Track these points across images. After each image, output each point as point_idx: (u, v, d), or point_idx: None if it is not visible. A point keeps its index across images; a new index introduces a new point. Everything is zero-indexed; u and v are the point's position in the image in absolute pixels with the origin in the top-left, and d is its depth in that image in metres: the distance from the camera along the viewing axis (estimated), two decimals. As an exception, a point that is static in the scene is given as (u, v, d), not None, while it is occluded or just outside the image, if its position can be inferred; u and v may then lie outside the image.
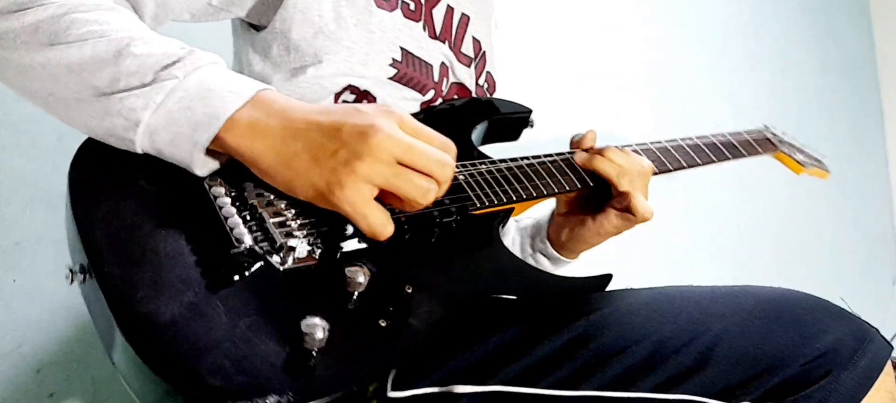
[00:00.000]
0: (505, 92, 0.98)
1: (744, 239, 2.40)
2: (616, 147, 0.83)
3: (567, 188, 0.79)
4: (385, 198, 0.57)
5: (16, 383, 1.03)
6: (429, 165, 0.56)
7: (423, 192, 0.56)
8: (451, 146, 0.60)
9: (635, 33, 2.15)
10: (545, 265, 0.92)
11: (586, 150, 0.84)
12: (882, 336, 0.60)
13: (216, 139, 0.56)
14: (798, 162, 1.07)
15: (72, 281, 0.55)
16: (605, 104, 2.01)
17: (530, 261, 0.92)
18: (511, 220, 0.96)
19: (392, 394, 0.57)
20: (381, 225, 0.56)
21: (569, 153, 0.84)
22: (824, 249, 2.74)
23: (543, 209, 0.93)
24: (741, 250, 2.39)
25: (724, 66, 2.47)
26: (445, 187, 0.59)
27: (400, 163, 0.55)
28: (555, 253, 0.89)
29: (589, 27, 2.02)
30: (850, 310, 0.62)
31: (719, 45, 2.47)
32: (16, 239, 1.04)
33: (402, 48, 0.78)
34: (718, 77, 2.44)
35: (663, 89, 2.20)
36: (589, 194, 0.85)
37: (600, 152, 0.81)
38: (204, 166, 0.58)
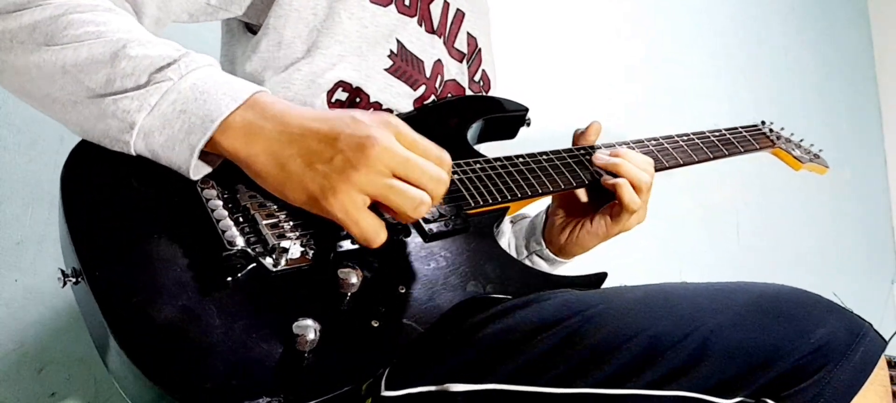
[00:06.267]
0: (499, 90, 0.99)
1: (742, 238, 2.40)
2: (626, 145, 0.83)
3: (562, 186, 0.79)
4: (378, 207, 0.57)
5: (17, 382, 1.03)
6: (423, 180, 0.57)
7: (416, 206, 0.56)
8: (446, 160, 0.60)
9: (634, 32, 2.15)
10: (541, 267, 0.92)
11: (593, 149, 0.84)
12: (875, 330, 0.60)
13: (211, 141, 0.56)
14: (796, 157, 1.07)
15: (64, 283, 0.55)
16: (602, 103, 2.01)
17: (526, 263, 0.92)
18: (506, 221, 0.96)
19: (386, 393, 0.57)
20: (374, 232, 0.56)
21: (565, 151, 0.84)
22: (823, 249, 2.74)
23: (537, 209, 0.93)
24: (739, 250, 2.39)
25: (723, 65, 2.48)
26: (438, 201, 0.59)
27: (395, 176, 0.56)
28: (551, 255, 0.89)
29: (587, 25, 2.02)
30: (842, 305, 0.62)
31: (718, 45, 2.47)
32: (17, 239, 1.05)
33: (398, 40, 0.78)
34: (717, 77, 2.44)
35: (662, 89, 2.20)
36: (587, 194, 0.85)
37: (618, 154, 0.81)
38: (198, 169, 0.58)
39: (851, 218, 2.90)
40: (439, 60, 0.85)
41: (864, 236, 3.02)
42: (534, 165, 0.78)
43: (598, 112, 1.96)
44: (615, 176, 0.81)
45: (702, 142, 0.94)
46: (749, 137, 1.02)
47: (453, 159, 0.73)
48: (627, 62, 2.11)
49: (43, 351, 1.06)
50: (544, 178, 0.78)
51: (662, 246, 2.01)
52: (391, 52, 0.77)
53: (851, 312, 0.61)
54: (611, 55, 2.07)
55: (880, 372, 0.57)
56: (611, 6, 2.10)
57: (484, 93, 0.94)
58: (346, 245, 0.61)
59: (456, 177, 0.72)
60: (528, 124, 0.90)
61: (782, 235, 2.56)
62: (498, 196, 0.72)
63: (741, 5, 2.60)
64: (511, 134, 0.91)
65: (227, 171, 0.59)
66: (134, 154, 0.57)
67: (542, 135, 0.92)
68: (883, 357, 0.58)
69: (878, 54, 3.32)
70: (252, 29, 0.79)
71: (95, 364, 1.10)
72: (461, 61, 0.88)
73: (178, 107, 0.55)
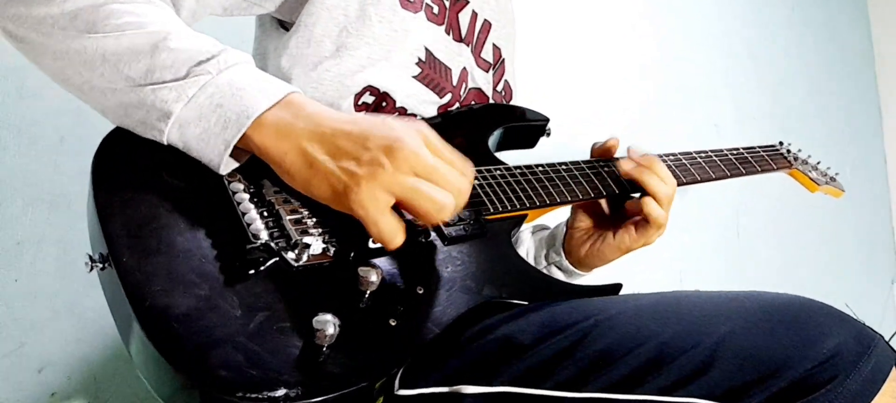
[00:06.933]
0: (519, 94, 0.98)
1: (744, 240, 2.41)
2: (654, 157, 0.83)
3: (580, 197, 0.79)
4: (400, 211, 0.57)
5: (17, 382, 1.03)
6: (447, 187, 0.57)
7: (440, 209, 0.57)
8: (469, 171, 0.61)
9: (639, 36, 2.16)
10: (559, 277, 0.91)
11: (611, 161, 0.84)
12: (885, 341, 0.60)
13: (243, 137, 0.57)
14: (812, 179, 1.08)
15: (90, 269, 0.56)
16: (608, 106, 2.01)
17: (542, 271, 0.92)
18: (525, 229, 0.96)
19: (400, 392, 0.58)
20: (392, 233, 0.56)
21: (584, 162, 0.83)
22: (823, 250, 2.74)
23: (558, 219, 0.93)
24: (741, 252, 2.39)
25: (726, 67, 2.48)
26: (459, 210, 0.60)
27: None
28: (570, 266, 0.89)
29: (593, 31, 2.02)
30: (853, 316, 0.62)
31: (721, 47, 2.47)
32: (17, 239, 1.04)
33: (426, 48, 0.79)
34: (720, 78, 2.45)
35: (666, 91, 2.21)
36: (609, 206, 0.85)
37: (647, 165, 0.81)
38: (227, 164, 0.59)
39: (851, 218, 2.91)
40: (465, 68, 0.85)
41: (864, 236, 3.02)
42: (553, 174, 0.79)
43: (614, 108, 1.97)
44: (641, 189, 0.81)
45: (720, 160, 0.95)
46: (767, 157, 1.02)
47: (474, 165, 0.74)
48: (642, 61, 2.12)
49: (43, 351, 1.06)
50: (563, 188, 0.78)
51: (662, 248, 2.01)
52: (419, 59, 0.78)
53: (861, 322, 0.61)
54: (627, 54, 2.08)
55: (891, 384, 0.57)
56: (626, 6, 2.11)
57: (506, 102, 0.94)
58: (368, 244, 0.62)
59: (476, 182, 0.72)
60: (549, 134, 0.90)
61: (783, 236, 2.56)
62: (517, 203, 0.73)
63: (746, 6, 2.60)
64: (530, 143, 0.91)
65: (255, 166, 0.60)
66: (166, 143, 0.58)
67: (559, 131, 0.92)
68: (894, 368, 0.58)
69: (878, 54, 3.32)
70: (284, 25, 0.79)
71: (95, 363, 1.10)
72: (487, 71, 0.89)
73: (215, 100, 0.57)
